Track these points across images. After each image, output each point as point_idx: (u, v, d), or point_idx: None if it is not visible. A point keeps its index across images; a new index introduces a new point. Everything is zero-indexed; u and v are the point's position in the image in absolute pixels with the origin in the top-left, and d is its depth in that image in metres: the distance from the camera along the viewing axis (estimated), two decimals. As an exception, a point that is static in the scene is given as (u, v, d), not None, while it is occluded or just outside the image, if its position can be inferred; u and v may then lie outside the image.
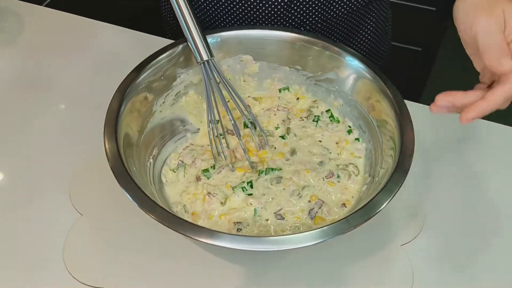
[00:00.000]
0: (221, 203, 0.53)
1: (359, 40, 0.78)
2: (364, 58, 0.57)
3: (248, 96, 0.65)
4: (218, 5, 0.69)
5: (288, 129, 0.61)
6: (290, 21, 0.69)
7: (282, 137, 0.60)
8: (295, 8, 0.67)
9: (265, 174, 0.56)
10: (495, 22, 0.47)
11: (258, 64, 0.64)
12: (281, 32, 0.62)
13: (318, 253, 0.54)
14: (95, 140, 0.61)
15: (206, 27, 0.72)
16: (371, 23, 0.77)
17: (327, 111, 0.63)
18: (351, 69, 0.58)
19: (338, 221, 0.44)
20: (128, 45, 0.78)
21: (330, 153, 0.59)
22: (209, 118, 0.57)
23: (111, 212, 0.57)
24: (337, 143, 0.60)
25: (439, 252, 0.55)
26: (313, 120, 0.62)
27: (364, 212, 0.45)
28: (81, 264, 0.53)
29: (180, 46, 0.59)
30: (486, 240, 0.56)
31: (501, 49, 0.46)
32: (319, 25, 0.71)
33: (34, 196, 0.59)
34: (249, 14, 0.69)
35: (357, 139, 0.60)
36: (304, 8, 0.68)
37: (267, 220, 0.53)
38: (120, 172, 0.47)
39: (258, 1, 0.67)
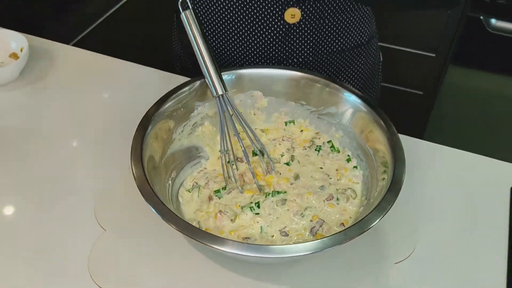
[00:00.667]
0: (231, 220, 0.59)
1: (348, 80, 0.86)
2: (361, 94, 0.64)
3: (256, 128, 0.72)
4: (217, 41, 0.77)
5: (292, 156, 0.68)
6: (284, 57, 0.78)
7: (287, 163, 0.67)
8: (288, 45, 0.76)
9: (272, 196, 0.62)
10: None
11: (267, 99, 0.72)
12: (288, 71, 0.69)
13: (316, 269, 0.59)
14: (120, 164, 0.68)
15: (220, 65, 0.81)
16: (360, 65, 0.85)
17: (328, 141, 0.70)
18: (349, 104, 0.65)
19: (336, 233, 0.50)
20: (147, 81, 0.86)
21: (331, 178, 0.65)
22: (222, 147, 0.64)
23: (132, 228, 0.63)
24: (337, 170, 0.66)
25: (432, 269, 0.60)
26: (315, 150, 0.69)
27: (360, 226, 0.51)
28: (105, 273, 0.58)
29: (198, 82, 0.67)
30: (479, 259, 0.61)
31: None
32: (310, 61, 0.80)
33: (62, 213, 0.65)
34: (245, 50, 0.78)
35: (355, 166, 0.66)
36: (296, 45, 0.76)
37: (272, 236, 0.58)
38: (146, 190, 0.54)
39: (254, 38, 0.75)
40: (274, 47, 0.78)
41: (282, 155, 0.68)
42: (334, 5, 0.76)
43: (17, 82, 0.86)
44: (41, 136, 0.76)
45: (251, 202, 0.61)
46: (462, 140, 1.62)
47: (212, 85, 0.63)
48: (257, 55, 0.79)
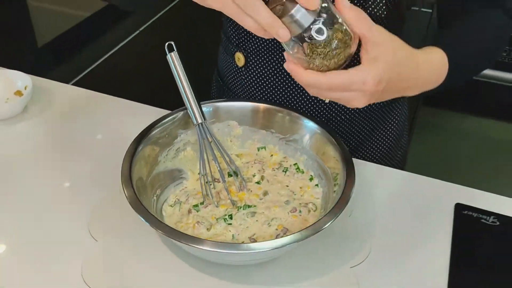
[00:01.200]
0: (207, 229, 0.69)
1: (377, 141, 0.94)
2: (318, 120, 0.76)
3: (232, 153, 0.82)
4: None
5: (262, 176, 0.78)
6: (333, 113, 0.87)
7: (258, 182, 0.77)
8: (335, 106, 0.86)
9: (243, 209, 0.71)
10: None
11: (242, 128, 0.82)
12: (256, 103, 0.81)
13: (276, 272, 0.67)
14: (111, 183, 0.78)
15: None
16: (390, 121, 0.92)
17: (295, 164, 0.80)
18: (308, 129, 0.76)
19: (293, 233, 0.59)
20: (136, 114, 0.97)
21: (295, 194, 0.75)
22: (201, 169, 0.74)
23: (121, 239, 0.71)
24: (300, 187, 0.76)
25: (384, 273, 0.69)
26: (283, 171, 0.79)
27: (314, 228, 0.60)
28: (98, 276, 0.66)
29: (181, 113, 0.78)
30: (424, 263, 0.70)
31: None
32: (339, 118, 0.89)
33: (56, 228, 0.74)
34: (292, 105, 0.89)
35: (316, 185, 0.76)
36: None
37: (242, 242, 0.67)
38: (136, 204, 0.63)
39: (285, 97, 0.87)
40: (322, 106, 0.88)
41: (253, 175, 0.78)
42: None
43: (21, 116, 0.96)
44: (41, 161, 0.86)
45: (225, 215, 0.71)
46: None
47: (192, 115, 0.74)
48: (314, 109, 0.89)
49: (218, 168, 0.74)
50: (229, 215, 0.70)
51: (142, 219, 0.61)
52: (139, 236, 0.71)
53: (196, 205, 0.72)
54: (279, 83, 0.88)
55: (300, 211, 0.72)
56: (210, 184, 0.76)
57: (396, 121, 0.96)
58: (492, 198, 0.80)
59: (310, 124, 0.75)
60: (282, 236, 0.67)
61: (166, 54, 0.72)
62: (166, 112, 0.79)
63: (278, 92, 0.89)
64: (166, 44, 0.71)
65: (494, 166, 1.84)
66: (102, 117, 0.97)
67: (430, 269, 0.70)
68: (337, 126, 0.92)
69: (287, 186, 0.76)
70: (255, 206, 0.72)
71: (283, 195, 0.74)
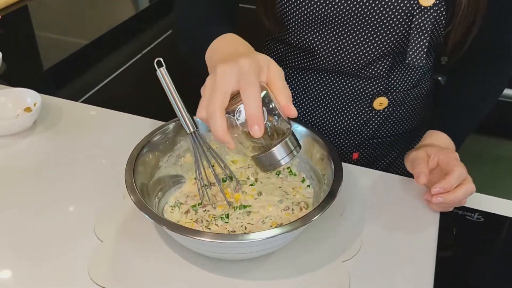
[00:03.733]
0: (205, 226, 0.73)
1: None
2: (306, 123, 0.81)
3: (227, 159, 0.87)
4: (305, 112, 1.01)
5: (256, 179, 0.82)
6: (365, 136, 1.00)
7: (252, 184, 0.81)
8: (370, 126, 0.98)
9: (239, 209, 0.76)
10: (421, 151, 0.81)
11: (237, 135, 0.87)
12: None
13: (272, 267, 0.71)
14: (116, 190, 0.83)
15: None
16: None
17: (288, 168, 0.85)
18: (298, 133, 0.81)
19: (283, 225, 0.63)
20: (141, 127, 1.03)
21: (288, 195, 0.79)
22: (197, 175, 0.79)
23: (125, 239, 0.76)
24: (293, 188, 0.81)
25: (374, 267, 0.73)
26: (276, 174, 0.83)
27: (302, 221, 0.64)
28: (103, 274, 0.71)
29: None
30: (411, 261, 0.74)
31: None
32: (382, 140, 1.02)
33: (64, 231, 0.78)
34: (328, 127, 1.00)
35: (308, 185, 0.81)
36: (376, 127, 0.99)
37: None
38: (142, 204, 0.67)
39: (339, 119, 0.98)
40: (356, 128, 0.97)
41: (248, 178, 0.83)
42: (416, 93, 0.97)
43: (30, 131, 1.02)
44: (48, 173, 0.91)
45: (222, 214, 0.75)
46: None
47: (185, 124, 0.77)
48: (339, 133, 0.98)
49: (213, 173, 0.79)
50: (226, 215, 0.75)
51: (147, 216, 0.66)
52: (142, 236, 0.76)
53: (194, 206, 0.77)
54: (317, 104, 0.96)
55: (292, 210, 0.76)
56: (207, 187, 0.80)
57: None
58: (477, 197, 0.84)
59: (299, 128, 0.80)
60: (275, 232, 0.72)
61: (156, 70, 0.76)
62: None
63: (316, 114, 0.97)
64: (155, 60, 0.75)
65: (477, 168, 1.89)
66: (107, 131, 1.02)
67: (417, 263, 0.74)
68: (369, 149, 1.02)
69: (280, 187, 0.81)
70: (250, 206, 0.77)
71: (277, 195, 0.79)
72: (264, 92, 0.62)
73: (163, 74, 0.75)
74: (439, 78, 1.93)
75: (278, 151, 0.64)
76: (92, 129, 1.03)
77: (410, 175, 0.85)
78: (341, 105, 0.94)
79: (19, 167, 0.93)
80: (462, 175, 0.76)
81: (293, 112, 0.61)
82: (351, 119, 0.96)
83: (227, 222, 0.74)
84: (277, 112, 0.62)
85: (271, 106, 0.62)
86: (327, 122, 0.97)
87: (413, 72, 0.94)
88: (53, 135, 1.01)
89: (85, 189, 0.87)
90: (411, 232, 0.79)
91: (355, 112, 0.95)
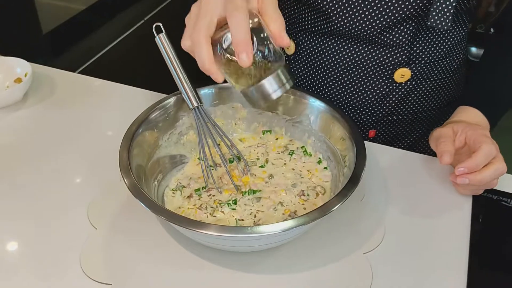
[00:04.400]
0: (210, 214, 0.65)
1: None
2: (324, 98, 0.71)
3: (233, 138, 0.78)
4: (323, 87, 0.90)
5: (266, 160, 0.74)
6: (385, 112, 0.89)
7: (262, 166, 0.73)
8: (390, 101, 0.87)
9: (248, 194, 0.68)
10: (446, 128, 0.73)
11: (247, 110, 0.78)
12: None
13: (287, 260, 0.64)
14: (112, 170, 0.75)
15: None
16: None
17: (302, 147, 0.76)
18: (314, 108, 0.72)
19: (299, 216, 0.55)
20: (141, 102, 0.94)
21: (302, 178, 0.71)
22: (201, 155, 0.70)
23: (121, 227, 0.68)
24: (308, 171, 0.72)
25: (399, 259, 0.65)
26: (288, 153, 0.75)
27: (322, 210, 0.56)
28: (96, 266, 0.63)
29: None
30: (439, 252, 0.66)
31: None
32: (406, 117, 0.90)
33: (56, 215, 0.71)
34: (348, 101, 0.89)
35: (325, 167, 0.72)
36: (398, 102, 0.87)
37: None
38: (137, 190, 0.59)
39: (359, 93, 0.87)
40: (374, 102, 0.87)
41: (257, 159, 0.74)
42: (445, 65, 0.86)
43: (21, 104, 0.93)
44: (40, 148, 0.83)
45: (229, 200, 0.67)
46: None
47: (187, 98, 0.69)
48: (354, 108, 0.88)
49: (219, 153, 0.71)
50: (233, 201, 0.67)
51: (143, 205, 0.58)
52: (139, 224, 0.68)
53: (198, 190, 0.69)
54: (332, 73, 0.85)
55: (308, 195, 0.68)
56: (212, 169, 0.72)
57: None
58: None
59: (316, 103, 0.71)
60: (289, 221, 0.64)
61: (155, 37, 0.67)
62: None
63: (331, 85, 0.87)
64: (154, 25, 0.67)
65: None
66: (104, 104, 0.94)
67: (447, 255, 0.66)
68: (388, 127, 0.91)
69: (293, 169, 0.73)
70: (260, 190, 0.69)
71: (290, 178, 0.71)
72: (254, 20, 0.56)
73: (162, 41, 0.66)
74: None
75: (269, 83, 0.58)
76: (88, 102, 0.94)
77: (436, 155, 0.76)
78: (358, 76, 0.84)
79: (7, 142, 0.85)
80: (491, 153, 0.68)
81: (286, 41, 0.57)
82: (369, 92, 0.86)
83: (234, 209, 0.66)
84: (268, 41, 0.57)
85: (262, 35, 0.56)
86: (342, 95, 0.87)
87: (441, 41, 0.83)
88: (46, 109, 0.93)
89: (78, 169, 0.79)
90: (440, 220, 0.70)
91: (373, 85, 0.85)
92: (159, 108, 0.72)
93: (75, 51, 1.33)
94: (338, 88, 0.87)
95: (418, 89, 0.87)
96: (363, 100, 0.87)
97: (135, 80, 1.05)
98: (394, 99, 0.87)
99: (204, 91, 0.75)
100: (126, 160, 0.64)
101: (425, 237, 0.68)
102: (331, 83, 0.87)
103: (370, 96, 0.86)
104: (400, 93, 0.86)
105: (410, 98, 0.88)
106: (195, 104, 0.69)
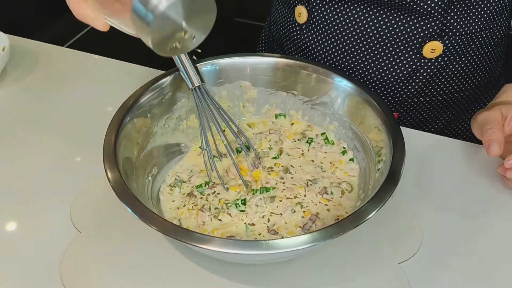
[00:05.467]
0: (214, 216, 0.54)
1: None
2: (352, 77, 0.59)
3: (239, 123, 0.67)
4: (349, 63, 0.77)
5: (280, 149, 0.62)
6: (414, 92, 0.76)
7: (275, 157, 0.62)
8: (422, 79, 0.75)
9: (260, 193, 0.57)
10: (494, 111, 0.62)
11: (257, 89, 0.67)
12: (271, 58, 0.65)
13: (308, 272, 0.53)
14: (100, 161, 0.63)
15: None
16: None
17: (322, 134, 0.64)
18: (341, 89, 0.60)
19: (328, 226, 0.44)
20: (134, 79, 0.82)
21: (324, 171, 0.60)
22: (203, 144, 0.59)
23: (109, 231, 0.58)
24: (331, 163, 0.61)
25: (438, 271, 0.54)
26: (306, 142, 0.63)
27: (355, 218, 0.45)
28: (77, 278, 0.53)
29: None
30: (486, 259, 0.56)
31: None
32: (437, 98, 0.78)
33: (36, 215, 0.60)
34: (376, 79, 0.76)
35: (351, 159, 0.61)
36: (430, 80, 0.75)
37: (260, 234, 0.53)
38: (123, 191, 0.48)
39: (386, 68, 0.75)
40: (398, 81, 0.74)
41: (270, 148, 0.63)
42: (480, 39, 0.73)
43: (-2, 81, 0.82)
44: (19, 133, 0.72)
45: (237, 199, 0.56)
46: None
47: (186, 77, 0.58)
48: (375, 86, 0.76)
49: (224, 142, 0.60)
50: (242, 200, 0.56)
51: (130, 210, 0.47)
52: (131, 227, 0.57)
53: (200, 186, 0.58)
54: (350, 46, 0.73)
55: (331, 193, 0.57)
56: (217, 160, 0.61)
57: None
58: None
59: (343, 83, 0.59)
60: (311, 226, 0.53)
61: None
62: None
63: (348, 59, 0.74)
64: None
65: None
66: (94, 83, 0.83)
67: (496, 264, 0.55)
68: (414, 110, 0.79)
69: (313, 161, 0.61)
70: (274, 188, 0.57)
71: (309, 172, 0.59)
72: None
73: None
74: None
75: None
76: (73, 80, 0.83)
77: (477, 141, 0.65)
78: (380, 50, 0.71)
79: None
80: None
81: None
82: (392, 69, 0.73)
83: (243, 211, 0.55)
84: None
85: None
86: (360, 71, 0.74)
87: (479, 9, 0.70)
88: (26, 87, 0.82)
89: (60, 159, 0.68)
90: (487, 222, 0.59)
91: (398, 60, 0.72)
92: (153, 88, 0.61)
93: (63, 22, 1.20)
94: (356, 63, 0.74)
95: (451, 66, 0.74)
96: (386, 78, 0.74)
97: (130, 56, 0.93)
98: (421, 77, 0.74)
99: (206, 68, 0.64)
100: (111, 151, 0.52)
101: (471, 242, 0.57)
102: (348, 57, 0.74)
103: (394, 73, 0.74)
104: (429, 70, 0.74)
105: (440, 77, 0.75)
106: (196, 84, 0.58)
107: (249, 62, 0.65)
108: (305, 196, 0.56)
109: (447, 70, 0.74)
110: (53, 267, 0.54)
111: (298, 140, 0.64)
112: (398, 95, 0.76)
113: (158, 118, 0.61)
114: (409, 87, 0.75)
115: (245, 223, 0.54)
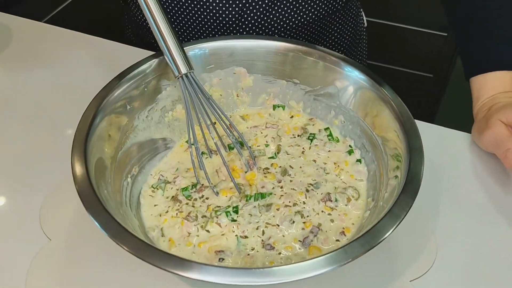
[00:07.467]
0: (201, 226, 0.47)
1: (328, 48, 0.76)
2: (365, 68, 0.51)
3: (231, 115, 0.59)
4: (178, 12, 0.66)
5: (278, 147, 0.55)
6: (260, 26, 0.68)
7: (272, 157, 0.54)
8: (251, 14, 0.67)
9: (254, 200, 0.50)
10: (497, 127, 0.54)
11: (253, 77, 0.59)
12: (273, 41, 0.57)
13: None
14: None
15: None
16: (339, 32, 0.77)
17: (326, 129, 0.57)
18: (351, 80, 0.52)
19: (334, 250, 0.37)
20: (120, 60, 0.74)
21: (327, 174, 0.53)
22: (190, 139, 0.52)
23: (81, 238, 0.51)
24: (335, 163, 0.54)
25: (454, 287, 0.48)
26: (308, 138, 0.56)
27: (366, 240, 0.38)
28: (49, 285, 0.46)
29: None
30: (503, 277, 0.49)
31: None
32: (284, 31, 0.70)
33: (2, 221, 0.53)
34: (215, 19, 0.68)
35: (358, 160, 0.54)
36: (270, 15, 0.67)
37: (253, 249, 0.46)
38: (89, 198, 0.41)
39: (210, 10, 0.66)
40: (246, 15, 0.67)
41: (266, 145, 0.56)
42: None
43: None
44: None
45: (228, 206, 0.49)
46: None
47: (172, 63, 0.51)
48: (230, 25, 0.67)
49: (215, 140, 0.52)
50: (233, 208, 0.49)
51: (98, 224, 0.40)
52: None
53: (186, 189, 0.51)
54: None
55: (336, 200, 0.50)
56: (206, 157, 0.54)
57: (342, 32, 0.78)
58: None
59: (354, 74, 0.52)
60: (312, 240, 0.46)
61: None
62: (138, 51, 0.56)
63: None
64: None
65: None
66: (72, 62, 0.74)
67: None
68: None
69: (315, 161, 0.54)
70: (270, 194, 0.50)
71: (310, 175, 0.52)
72: None
73: None
74: None
75: None
76: (51, 60, 0.75)
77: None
78: None
79: None
80: None
81: None
82: (237, 3, 0.66)
83: (235, 221, 0.48)
84: None
85: None
86: (207, 14, 0.67)
87: None
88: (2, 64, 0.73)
89: (32, 150, 0.60)
90: (507, 235, 0.52)
91: None
92: (134, 76, 0.53)
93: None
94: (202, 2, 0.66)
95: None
96: (234, 11, 0.67)
97: (113, 33, 0.85)
98: (262, 9, 0.67)
99: (194, 52, 0.56)
100: (80, 151, 0.45)
101: (491, 257, 0.50)
102: None
103: (239, 6, 0.67)
104: (268, 4, 0.67)
105: (280, 10, 0.69)
106: (183, 71, 0.50)
107: (244, 45, 0.57)
108: (305, 203, 0.49)
109: (282, 4, 0.68)
110: (17, 279, 0.48)
111: (298, 136, 0.57)
112: (248, 26, 0.69)
113: (140, 110, 0.53)
114: (257, 18, 0.68)
115: (236, 235, 0.47)
